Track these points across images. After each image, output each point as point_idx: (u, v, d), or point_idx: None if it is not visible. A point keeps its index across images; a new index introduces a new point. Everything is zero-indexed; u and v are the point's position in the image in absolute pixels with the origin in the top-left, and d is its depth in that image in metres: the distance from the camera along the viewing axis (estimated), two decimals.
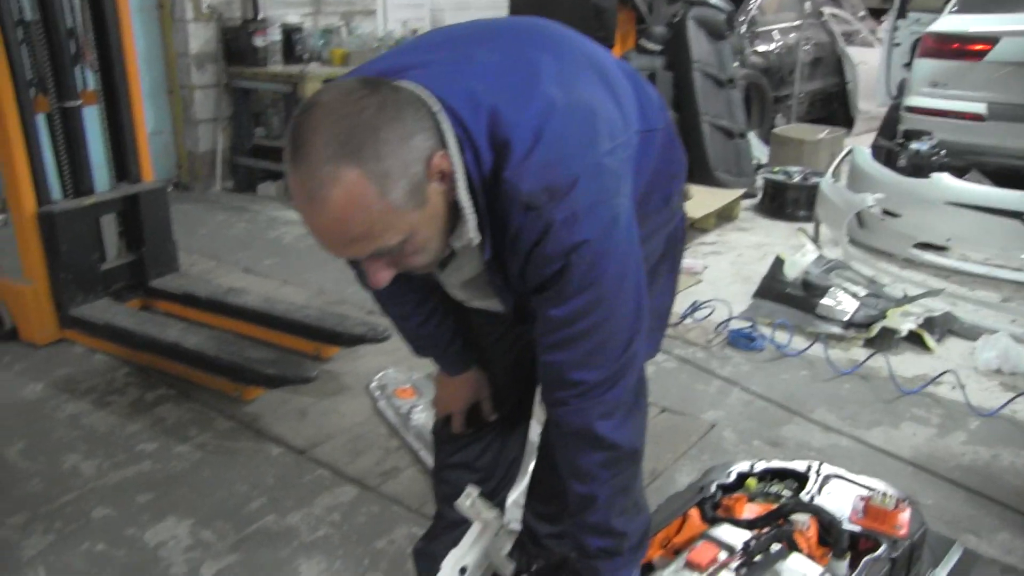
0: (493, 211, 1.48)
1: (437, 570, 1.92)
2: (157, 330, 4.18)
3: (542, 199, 1.44)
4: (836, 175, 5.98)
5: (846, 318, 4.56)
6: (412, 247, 1.44)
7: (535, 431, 2.49)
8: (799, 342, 4.48)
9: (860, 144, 6.52)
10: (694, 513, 2.19)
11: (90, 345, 4.43)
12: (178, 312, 4.60)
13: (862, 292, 4.75)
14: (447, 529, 2.13)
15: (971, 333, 4.54)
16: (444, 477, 2.37)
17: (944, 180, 5.31)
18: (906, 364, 4.29)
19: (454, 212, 1.48)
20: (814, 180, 6.29)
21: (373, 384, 3.98)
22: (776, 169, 6.85)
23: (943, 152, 5.69)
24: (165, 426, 3.77)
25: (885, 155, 5.94)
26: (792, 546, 2.04)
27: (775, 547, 2.01)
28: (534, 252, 1.49)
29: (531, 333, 1.67)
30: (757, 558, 1.96)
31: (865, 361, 4.24)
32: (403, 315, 2.03)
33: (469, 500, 1.88)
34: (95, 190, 4.43)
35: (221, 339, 4.13)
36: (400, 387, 3.81)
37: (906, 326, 4.43)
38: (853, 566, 1.99)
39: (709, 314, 4.80)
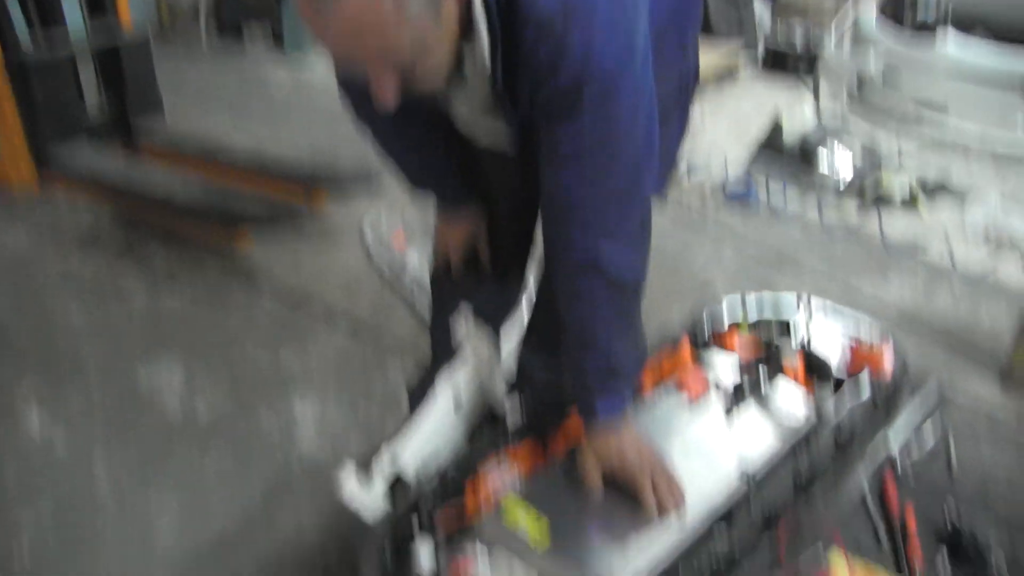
0: (507, 33, 1.44)
1: None
2: (143, 179, 4.11)
3: (559, 18, 1.39)
4: (839, 38, 5.86)
5: (841, 179, 4.56)
6: (423, 64, 1.40)
7: (531, 284, 2.51)
8: (794, 203, 4.49)
9: (865, 6, 6.36)
10: (685, 344, 2.23)
11: (74, 195, 4.36)
12: (164, 162, 4.48)
13: (858, 156, 4.73)
14: (443, 361, 2.15)
15: (963, 196, 4.55)
16: (439, 322, 2.39)
17: (948, 42, 5.21)
18: (898, 225, 4.32)
19: (468, 31, 1.44)
20: (817, 43, 6.16)
21: (365, 226, 3.97)
22: (779, 32, 6.70)
23: (950, 7, 5.56)
24: (155, 274, 3.76)
25: (892, 11, 5.80)
26: (780, 377, 2.09)
27: (764, 382, 2.05)
28: (547, 76, 1.45)
29: (534, 179, 1.64)
30: (746, 388, 2.01)
31: (858, 221, 4.27)
32: (403, 148, 1.99)
33: (466, 331, 1.90)
34: (69, 38, 4.26)
35: (210, 188, 4.06)
36: (393, 231, 3.79)
37: (900, 190, 4.44)
38: (838, 403, 2.03)
39: (706, 173, 4.78)
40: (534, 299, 2.44)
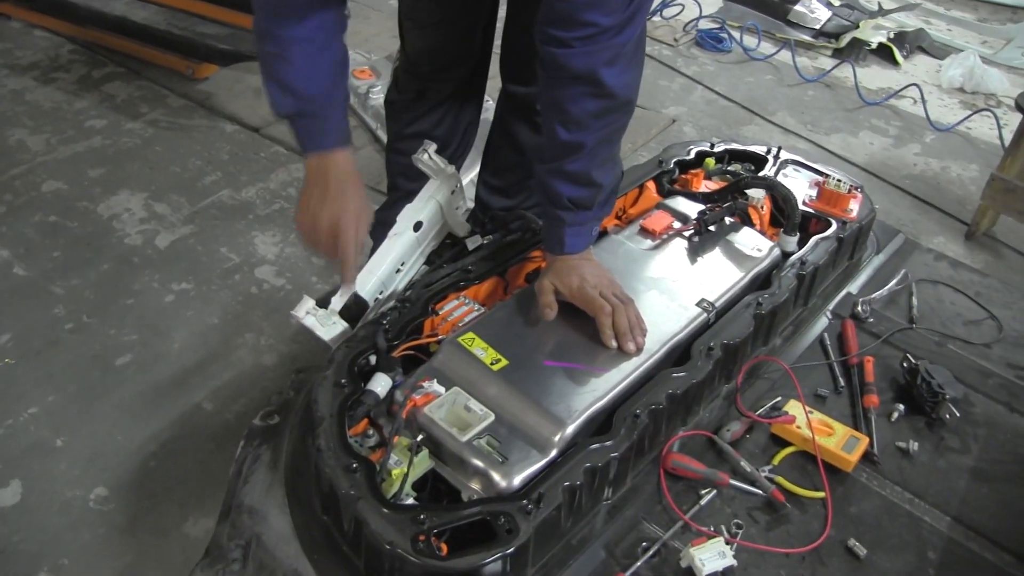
0: None
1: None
2: (101, 4, 3.95)
3: None
4: None
5: (818, 26, 4.47)
6: None
7: (488, 108, 2.44)
8: (767, 47, 4.41)
9: None
10: (650, 185, 2.19)
11: (29, 20, 4.19)
12: None
13: (836, 1, 4.61)
14: (402, 199, 2.11)
15: (941, 51, 4.49)
16: (398, 148, 2.33)
17: None
18: (872, 76, 4.25)
19: None
20: None
21: None
22: None
23: None
24: (115, 103, 3.67)
25: None
26: (745, 220, 2.07)
27: (728, 220, 2.03)
28: None
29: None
30: (711, 228, 1.98)
31: (831, 70, 4.19)
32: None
33: (426, 155, 1.84)
34: None
35: (171, 14, 3.92)
36: (358, 68, 3.68)
37: (877, 38, 4.36)
38: (802, 244, 2.02)
39: (679, 12, 4.66)
40: (489, 137, 2.38)
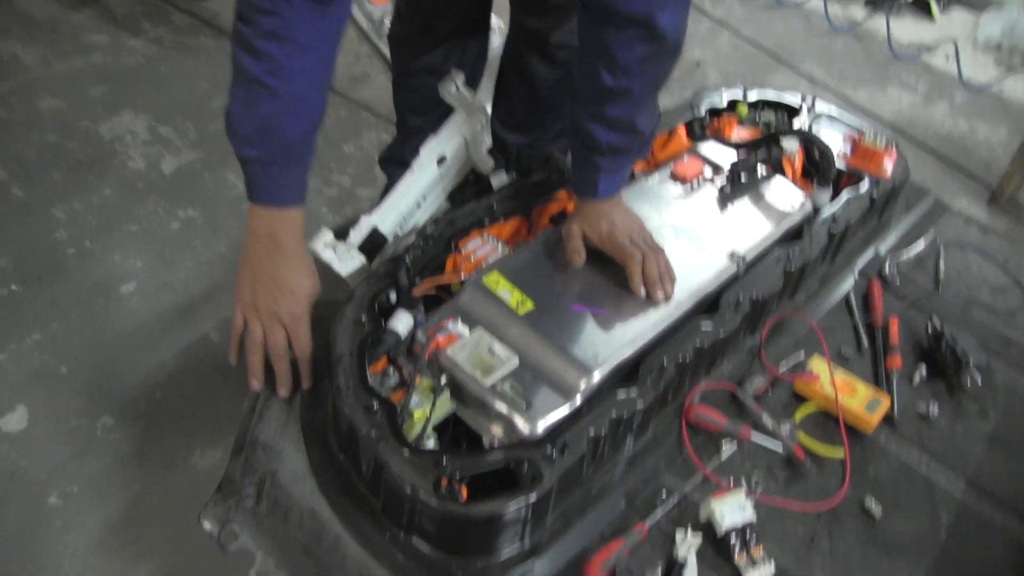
0: None
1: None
2: None
3: None
4: None
5: None
6: None
7: (496, 42, 2.36)
8: None
9: None
10: (681, 130, 2.13)
11: None
12: None
13: None
14: (413, 137, 2.05)
15: (979, 3, 4.34)
16: (406, 83, 2.27)
17: None
18: (905, 29, 4.14)
19: None
20: None
21: None
22: None
23: None
24: (115, 18, 3.55)
25: None
26: (778, 170, 2.01)
27: (761, 169, 1.97)
28: None
29: None
30: (742, 177, 1.93)
31: (864, 21, 4.08)
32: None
33: (454, 86, 1.78)
34: None
35: None
36: None
37: None
38: (834, 199, 1.97)
39: None
40: (500, 72, 2.31)
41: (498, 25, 2.31)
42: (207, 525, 1.44)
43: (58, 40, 3.39)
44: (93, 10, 3.58)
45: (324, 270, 1.68)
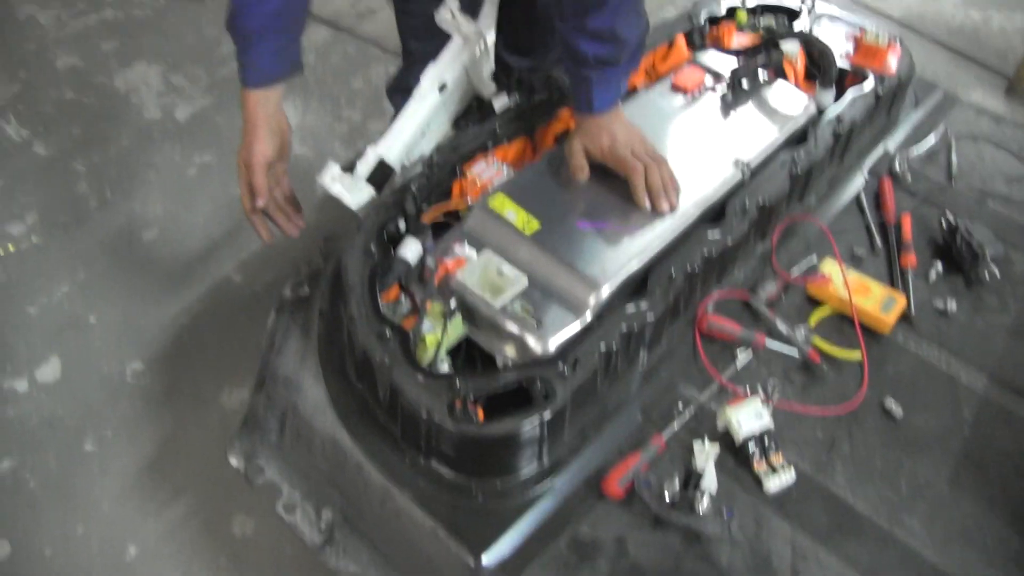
0: None
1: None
2: None
3: None
4: None
5: None
6: None
7: None
8: None
9: None
10: (680, 40, 2.10)
11: None
12: None
13: None
14: (416, 64, 2.03)
15: None
16: (406, 8, 2.24)
17: None
18: None
19: None
20: None
21: None
22: None
23: None
24: None
25: None
26: (780, 75, 1.99)
27: (762, 75, 1.95)
28: None
29: None
30: (743, 84, 1.91)
31: None
32: None
33: (449, 13, 1.76)
34: None
35: None
36: None
37: None
38: (838, 99, 1.95)
39: None
40: None
41: None
42: (234, 461, 1.48)
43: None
44: None
45: (336, 204, 1.69)
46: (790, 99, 1.90)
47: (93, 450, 1.94)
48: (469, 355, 1.47)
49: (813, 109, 1.90)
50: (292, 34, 1.63)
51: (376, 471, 1.36)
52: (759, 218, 1.68)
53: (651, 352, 1.55)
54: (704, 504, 1.33)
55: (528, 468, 1.37)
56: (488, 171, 1.72)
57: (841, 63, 2.01)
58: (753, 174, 1.73)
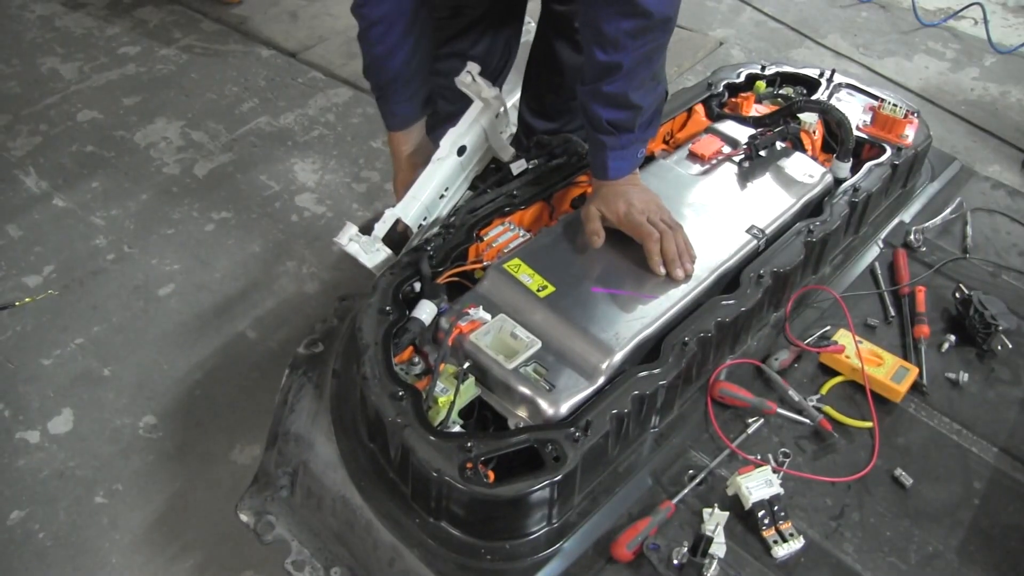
0: None
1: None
2: None
3: None
4: None
5: None
6: None
7: (527, 31, 2.37)
8: None
9: None
10: (699, 109, 2.14)
11: None
12: None
13: None
14: (442, 122, 2.06)
15: None
16: (436, 68, 2.27)
17: None
18: None
19: None
20: None
21: None
22: None
23: None
24: (147, 29, 3.63)
25: None
26: (797, 145, 2.01)
27: (780, 145, 1.97)
28: None
29: None
30: (761, 153, 1.93)
31: None
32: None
33: (469, 77, 1.80)
34: None
35: None
36: None
37: None
38: (855, 170, 1.96)
39: None
40: (530, 57, 2.32)
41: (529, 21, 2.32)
42: (244, 517, 1.48)
43: (94, 53, 3.47)
44: (127, 22, 3.67)
45: (352, 263, 1.71)
46: (806, 169, 1.92)
47: (104, 503, 1.94)
48: (481, 416, 1.48)
49: (830, 179, 1.91)
50: (420, 80, 1.88)
51: (386, 530, 1.36)
52: (774, 286, 1.69)
53: (663, 417, 1.55)
54: (712, 569, 1.32)
55: (537, 530, 1.37)
56: (504, 235, 1.74)
57: (858, 134, 2.03)
58: (768, 243, 1.74)
